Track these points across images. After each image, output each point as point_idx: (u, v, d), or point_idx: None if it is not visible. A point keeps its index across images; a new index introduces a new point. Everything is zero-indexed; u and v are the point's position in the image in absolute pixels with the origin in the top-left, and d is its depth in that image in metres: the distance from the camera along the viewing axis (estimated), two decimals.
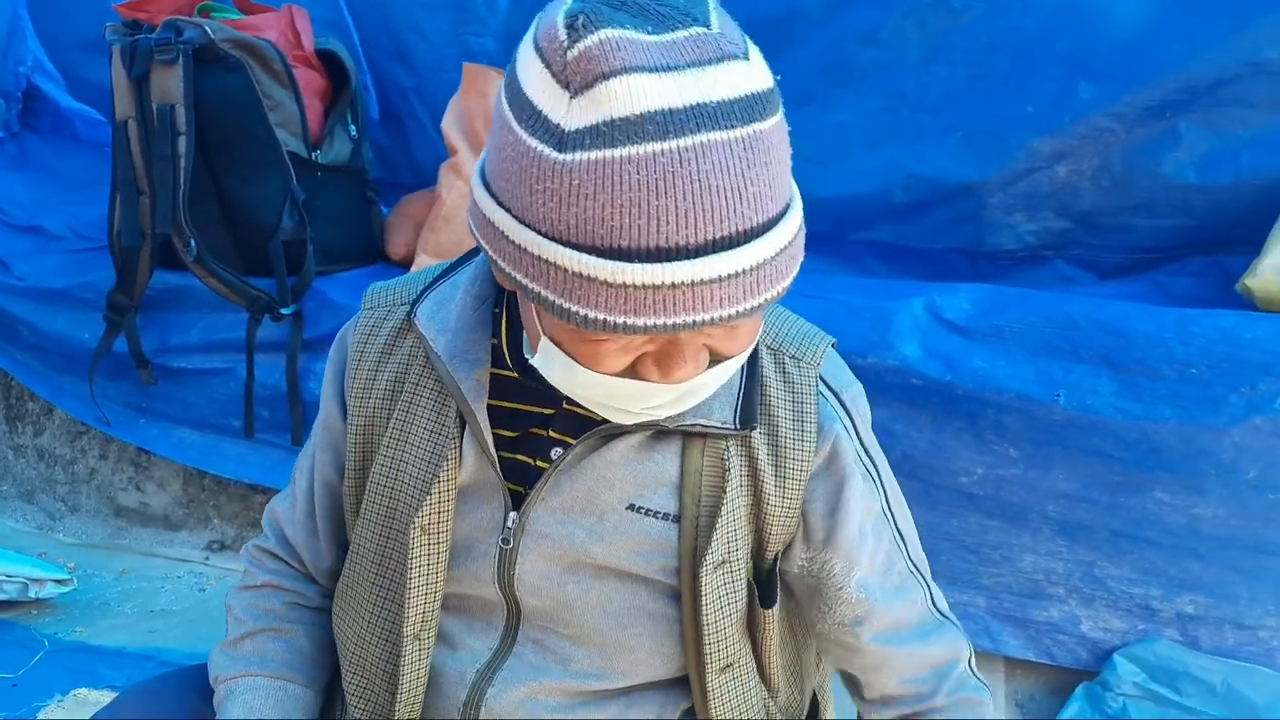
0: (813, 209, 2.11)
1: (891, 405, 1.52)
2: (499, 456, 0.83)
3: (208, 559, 2.07)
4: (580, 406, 0.78)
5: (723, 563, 0.82)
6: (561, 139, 0.59)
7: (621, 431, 0.81)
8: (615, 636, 0.85)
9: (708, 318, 0.60)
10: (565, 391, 0.74)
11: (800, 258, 0.67)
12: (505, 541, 0.83)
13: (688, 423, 0.79)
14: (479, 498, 0.84)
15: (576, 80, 0.58)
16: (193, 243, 1.79)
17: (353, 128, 2.05)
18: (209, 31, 1.77)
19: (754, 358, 0.82)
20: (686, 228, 0.58)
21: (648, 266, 0.59)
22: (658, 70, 0.58)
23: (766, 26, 1.85)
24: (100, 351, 1.96)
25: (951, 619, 0.92)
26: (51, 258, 2.11)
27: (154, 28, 1.81)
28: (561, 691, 0.85)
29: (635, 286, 0.59)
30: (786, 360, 0.84)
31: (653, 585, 0.84)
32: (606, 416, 0.76)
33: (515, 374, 0.82)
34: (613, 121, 0.57)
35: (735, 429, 0.80)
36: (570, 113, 0.58)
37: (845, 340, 1.51)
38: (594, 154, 0.58)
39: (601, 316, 0.61)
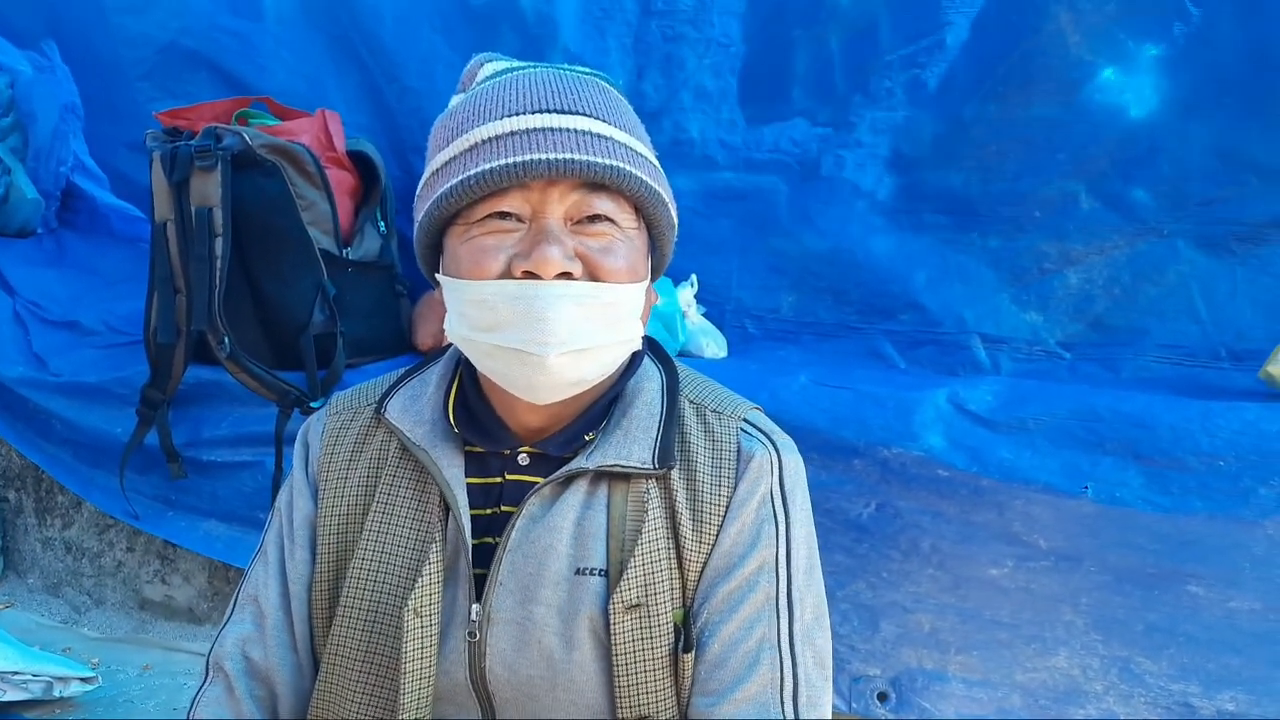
0: (838, 299, 2.11)
1: (919, 496, 1.52)
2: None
3: None
4: (523, 473, 0.87)
5: (636, 605, 0.81)
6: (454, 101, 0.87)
7: (556, 491, 0.85)
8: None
9: (545, 157, 0.76)
10: (466, 340, 0.82)
11: (643, 176, 0.81)
12: (472, 635, 0.84)
13: (609, 464, 0.84)
14: (453, 584, 0.86)
15: (468, 79, 0.89)
16: (226, 340, 1.82)
17: (382, 224, 2.11)
18: (247, 138, 1.83)
19: (674, 406, 0.89)
20: (521, 101, 0.79)
21: (497, 121, 0.79)
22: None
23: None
24: (132, 445, 1.98)
25: None
26: (86, 353, 2.15)
27: (194, 134, 1.88)
28: None
29: (490, 139, 0.78)
30: (709, 414, 0.90)
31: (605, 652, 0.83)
32: (509, 380, 0.82)
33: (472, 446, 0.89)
34: (480, 76, 0.86)
35: (654, 468, 0.84)
36: (462, 91, 0.88)
37: (870, 431, 1.54)
38: (469, 92, 0.85)
39: (473, 171, 0.77)
